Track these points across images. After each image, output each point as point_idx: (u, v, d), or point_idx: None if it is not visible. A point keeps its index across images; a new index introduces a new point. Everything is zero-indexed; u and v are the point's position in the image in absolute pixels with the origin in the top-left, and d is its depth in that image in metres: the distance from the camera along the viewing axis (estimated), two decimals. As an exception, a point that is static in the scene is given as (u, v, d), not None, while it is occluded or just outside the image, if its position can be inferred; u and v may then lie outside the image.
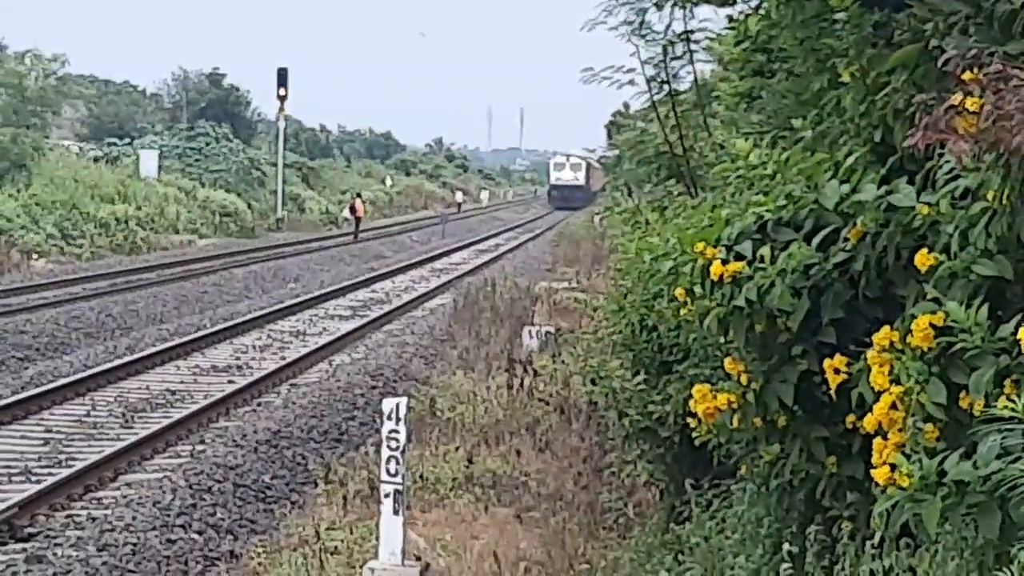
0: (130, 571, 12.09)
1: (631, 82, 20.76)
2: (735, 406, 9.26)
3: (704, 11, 18.76)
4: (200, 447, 17.29)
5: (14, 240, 45.28)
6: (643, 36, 20.78)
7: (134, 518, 13.65)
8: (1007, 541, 6.15)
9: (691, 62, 21.73)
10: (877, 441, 7.23)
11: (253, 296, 36.90)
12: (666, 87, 21.86)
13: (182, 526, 13.63)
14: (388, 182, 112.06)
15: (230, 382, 22.22)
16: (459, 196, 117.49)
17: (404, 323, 31.88)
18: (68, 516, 13.91)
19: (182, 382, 22.40)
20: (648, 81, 21.80)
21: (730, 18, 16.00)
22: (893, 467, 6.94)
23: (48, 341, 26.48)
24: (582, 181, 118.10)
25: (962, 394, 6.94)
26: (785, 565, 8.40)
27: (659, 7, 18.81)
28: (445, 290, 38.90)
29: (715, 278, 8.81)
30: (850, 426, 7.67)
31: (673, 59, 21.91)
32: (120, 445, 16.81)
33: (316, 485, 14.79)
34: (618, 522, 13.46)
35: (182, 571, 12.35)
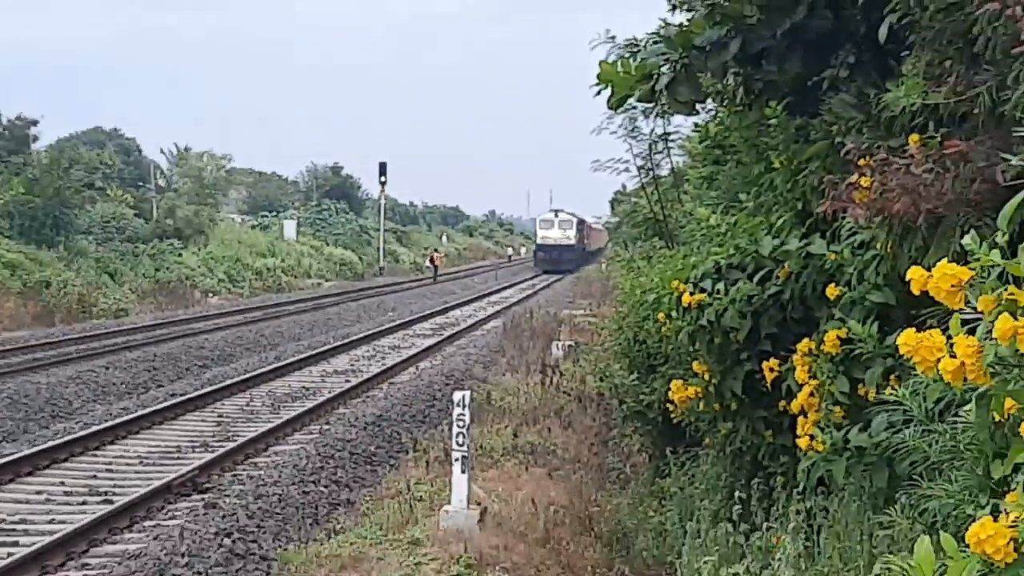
0: (277, 514, 12.14)
1: (626, 170, 20.91)
2: (700, 396, 9.27)
3: (677, 119, 18.84)
4: (326, 427, 17.32)
5: (196, 284, 45.64)
6: (634, 137, 20.81)
7: (280, 476, 13.70)
8: (893, 488, 6.12)
9: (668, 155, 21.77)
10: (800, 419, 7.22)
11: (363, 321, 36.94)
12: (651, 173, 21.93)
13: (313, 482, 13.66)
14: (445, 240, 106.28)
15: (347, 381, 22.26)
16: (510, 251, 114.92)
17: (468, 340, 31.85)
18: (234, 475, 13.98)
19: (313, 382, 22.45)
20: (638, 169, 21.85)
21: (696, 124, 15.95)
22: (812, 437, 6.92)
23: (219, 354, 26.64)
24: (573, 240, 75.44)
25: (860, 385, 6.92)
26: (736, 507, 8.37)
27: (646, 116, 18.83)
28: (498, 316, 38.79)
29: (686, 305, 8.83)
30: (782, 409, 7.66)
31: (656, 153, 21.92)
32: (270, 425, 16.88)
33: (407, 453, 14.79)
34: (619, 478, 13.44)
35: (313, 514, 12.38)
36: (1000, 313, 2.71)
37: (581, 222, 76.49)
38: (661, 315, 10.17)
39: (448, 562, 9.43)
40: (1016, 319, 2.65)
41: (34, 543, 10.51)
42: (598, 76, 9.48)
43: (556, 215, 76.06)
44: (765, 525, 7.88)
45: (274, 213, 77.85)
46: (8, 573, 9.59)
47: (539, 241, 77.95)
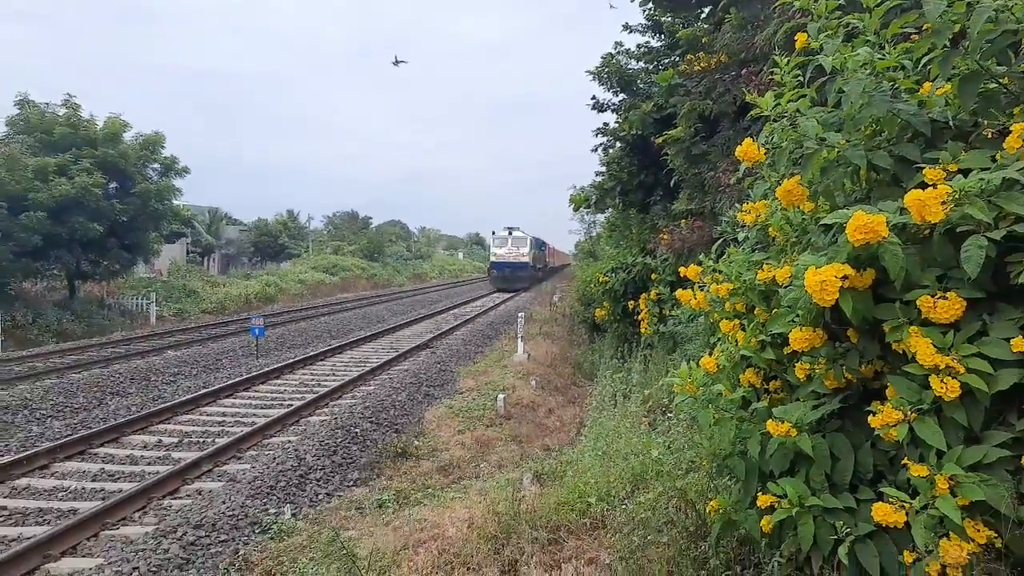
0: (455, 355, 11.80)
1: (580, 232, 20.48)
2: (606, 315, 9.14)
3: (600, 215, 18.46)
4: (473, 326, 16.78)
5: (428, 274, 45.69)
6: (582, 221, 20.30)
7: (457, 341, 13.39)
8: (675, 346, 5.98)
9: (596, 226, 21.20)
10: (642, 322, 7.11)
11: (486, 289, 36.30)
12: (590, 234, 21.32)
13: (468, 344, 13.29)
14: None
15: (481, 308, 21.78)
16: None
17: (525, 296, 31.14)
18: (440, 342, 13.65)
19: (470, 310, 21.66)
20: (584, 233, 21.28)
21: (606, 216, 15.65)
22: (646, 329, 6.78)
23: (436, 300, 26.20)
24: (527, 258, 26.03)
25: (663, 309, 6.74)
26: (619, 354, 8.25)
27: (588, 212, 18.42)
28: (531, 290, 38.06)
29: (601, 282, 8.71)
30: (636, 319, 7.57)
31: (591, 227, 21.37)
32: (454, 324, 16.62)
33: (501, 335, 14.60)
34: (579, 343, 13.29)
35: (467, 355, 11.98)
36: (712, 283, 2.72)
37: (541, 243, 32.36)
38: (592, 285, 10.11)
39: (516, 373, 9.44)
40: (718, 285, 2.66)
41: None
42: (570, 199, 9.42)
43: (510, 232, 28.71)
44: (628, 361, 7.82)
45: (456, 250, 77.75)
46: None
47: (492, 259, 29.46)
